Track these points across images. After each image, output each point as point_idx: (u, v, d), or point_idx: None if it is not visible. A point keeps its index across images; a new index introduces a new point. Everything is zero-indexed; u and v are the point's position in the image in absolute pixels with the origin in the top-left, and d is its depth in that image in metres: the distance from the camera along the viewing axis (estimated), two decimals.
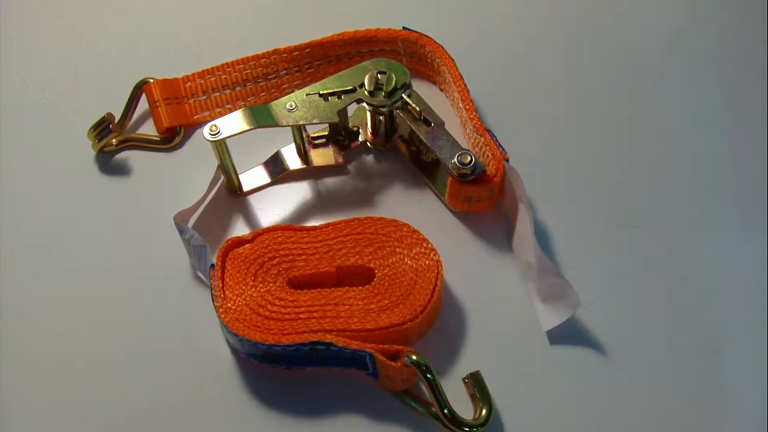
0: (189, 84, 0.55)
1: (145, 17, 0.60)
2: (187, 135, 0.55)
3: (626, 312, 0.47)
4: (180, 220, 0.48)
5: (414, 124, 0.49)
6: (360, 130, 0.52)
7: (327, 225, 0.48)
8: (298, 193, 0.52)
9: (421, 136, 0.49)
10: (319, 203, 0.51)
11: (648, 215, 0.50)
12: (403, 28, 0.53)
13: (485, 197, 0.49)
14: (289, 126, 0.49)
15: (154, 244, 0.50)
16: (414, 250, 0.47)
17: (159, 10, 0.61)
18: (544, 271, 0.45)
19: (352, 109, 0.52)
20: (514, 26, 0.59)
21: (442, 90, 0.55)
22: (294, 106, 0.49)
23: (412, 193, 0.52)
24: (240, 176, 0.51)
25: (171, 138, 0.54)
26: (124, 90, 0.54)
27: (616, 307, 0.47)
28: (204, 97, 0.55)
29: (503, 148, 0.49)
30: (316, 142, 0.52)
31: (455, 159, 0.47)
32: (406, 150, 0.52)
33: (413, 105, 0.49)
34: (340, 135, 0.52)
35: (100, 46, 0.59)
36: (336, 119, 0.49)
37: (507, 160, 0.47)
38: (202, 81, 0.55)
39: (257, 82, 0.55)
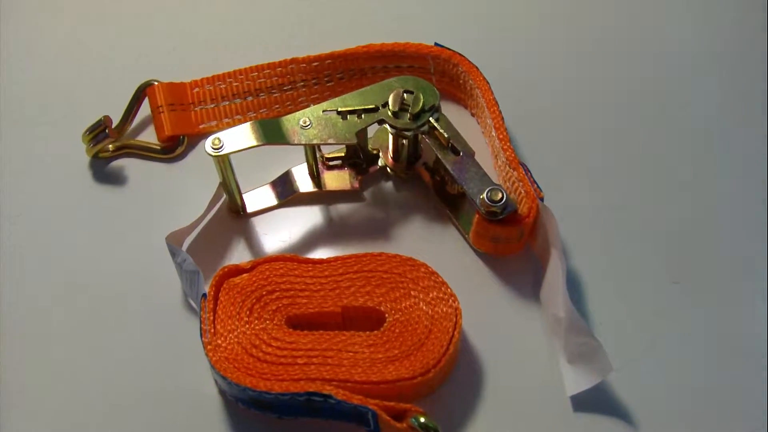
0: (197, 90, 0.51)
1: (155, 14, 0.58)
2: (191, 145, 0.51)
3: (662, 380, 0.43)
4: (173, 242, 0.44)
5: (440, 152, 0.45)
6: (380, 154, 0.49)
7: (336, 259, 0.44)
8: (306, 219, 0.48)
9: (447, 166, 0.45)
10: (330, 232, 0.48)
11: (694, 271, 0.46)
12: (435, 44, 0.49)
13: (514, 239, 0.45)
14: (301, 144, 0.45)
15: (144, 263, 0.46)
16: (431, 295, 0.43)
17: (171, 7, 0.58)
18: (574, 328, 0.41)
19: (372, 130, 0.48)
20: (559, 50, 0.56)
21: (473, 115, 0.52)
22: (308, 123, 0.45)
23: (433, 228, 0.48)
24: (244, 195, 0.48)
25: (173, 148, 0.51)
26: (129, 92, 0.51)
27: (651, 374, 0.43)
28: (212, 106, 0.51)
29: (538, 185, 0.45)
30: (331, 163, 0.49)
31: (484, 195, 0.43)
32: (430, 179, 0.48)
33: (441, 131, 0.45)
34: (358, 158, 0.48)
35: (106, 44, 0.56)
36: (354, 140, 0.45)
37: (542, 199, 0.44)
38: (211, 87, 0.51)
39: (271, 92, 0.51)
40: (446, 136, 0.45)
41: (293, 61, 0.50)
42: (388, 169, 0.49)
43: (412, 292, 0.43)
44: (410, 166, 0.48)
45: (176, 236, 0.45)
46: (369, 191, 0.49)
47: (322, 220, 0.48)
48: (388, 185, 0.49)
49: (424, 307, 0.42)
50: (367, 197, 0.49)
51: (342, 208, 0.49)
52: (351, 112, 0.45)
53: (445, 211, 0.48)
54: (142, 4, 0.58)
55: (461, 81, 0.50)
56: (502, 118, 0.47)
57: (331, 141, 0.45)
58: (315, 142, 0.45)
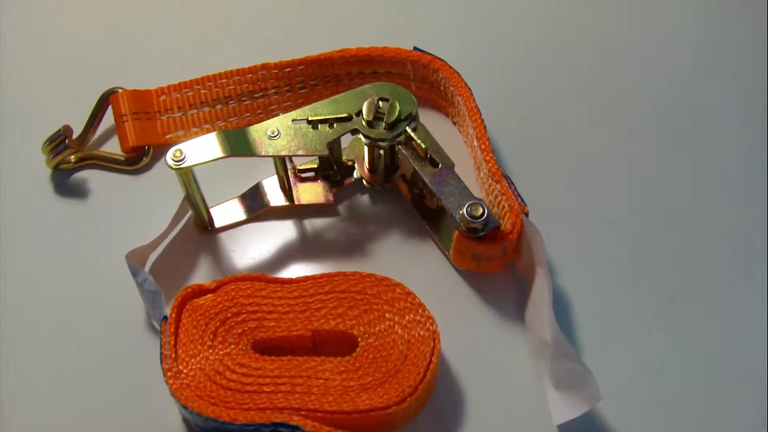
0: (163, 97, 0.49)
1: (120, 18, 0.55)
2: (157, 156, 0.49)
3: (656, 408, 0.41)
4: (134, 260, 0.42)
5: (418, 164, 0.43)
6: (356, 166, 0.47)
7: (306, 278, 0.42)
8: (277, 235, 0.46)
9: (425, 179, 0.43)
10: (302, 249, 0.46)
11: (691, 288, 0.44)
12: (414, 48, 0.47)
13: (497, 256, 0.42)
14: (269, 156, 0.43)
15: (106, 281, 0.44)
16: (407, 317, 0.40)
17: (136, 11, 0.56)
18: (561, 353, 0.39)
19: (348, 140, 0.46)
20: (546, 55, 0.53)
21: (455, 123, 0.49)
22: (277, 133, 0.43)
23: (411, 244, 0.46)
24: (211, 210, 0.46)
25: (137, 159, 0.49)
26: (93, 99, 0.49)
27: (645, 401, 0.41)
28: (179, 114, 0.49)
29: (522, 199, 0.42)
30: (303, 176, 0.46)
31: (464, 210, 0.41)
32: (408, 193, 0.46)
33: (418, 141, 0.43)
34: (332, 170, 0.46)
35: (68, 49, 0.53)
36: (325, 152, 0.43)
37: (526, 214, 0.42)
38: (178, 95, 0.49)
39: (241, 100, 0.49)
40: (424, 146, 0.42)
41: (264, 66, 0.48)
42: (364, 182, 0.47)
43: (387, 315, 0.40)
44: (388, 179, 0.46)
45: (138, 254, 0.43)
46: (344, 205, 0.47)
47: (294, 236, 0.46)
48: (364, 199, 0.47)
49: (400, 331, 0.40)
50: (342, 211, 0.47)
51: (315, 223, 0.46)
52: (322, 122, 0.43)
53: (424, 226, 0.46)
54: (105, 7, 0.56)
55: (442, 87, 0.48)
56: (485, 127, 0.45)
57: (300, 152, 0.42)
58: (284, 153, 0.42)
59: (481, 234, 0.41)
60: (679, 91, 0.52)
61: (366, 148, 0.45)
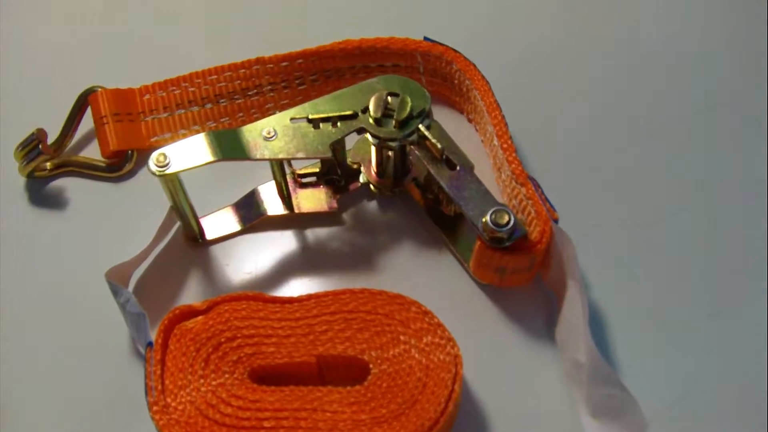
0: (147, 97, 0.46)
1: (100, 11, 0.53)
2: (141, 162, 0.46)
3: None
4: (115, 278, 0.39)
5: (433, 166, 0.40)
6: (362, 169, 0.44)
7: (309, 297, 0.38)
8: (275, 248, 0.43)
9: (441, 183, 0.39)
10: (303, 263, 0.43)
11: (735, 300, 0.41)
12: (425, 38, 0.45)
13: (524, 269, 0.39)
14: (265, 160, 0.39)
15: (84, 302, 0.42)
16: (425, 340, 0.37)
17: (117, 3, 0.53)
18: (599, 376, 0.36)
19: (353, 141, 0.43)
20: (572, 43, 0.51)
21: (471, 121, 0.46)
22: (273, 134, 0.39)
23: (426, 257, 0.42)
24: (202, 220, 0.43)
25: (119, 165, 0.46)
26: (70, 100, 0.47)
27: (690, 428, 0.38)
28: (165, 115, 0.46)
29: (551, 204, 0.39)
30: (304, 181, 0.44)
31: (487, 217, 0.37)
32: (421, 198, 0.43)
33: (433, 140, 0.39)
34: (335, 174, 0.43)
35: (44, 46, 0.51)
36: (329, 154, 0.40)
37: (556, 221, 0.38)
38: (164, 94, 0.46)
39: (233, 98, 0.46)
40: (439, 146, 0.39)
41: (259, 61, 0.46)
42: (372, 187, 0.44)
43: (402, 337, 0.37)
44: (398, 183, 0.43)
45: (120, 271, 0.40)
46: (349, 213, 0.44)
47: (294, 248, 0.43)
48: (372, 205, 0.44)
49: (417, 355, 0.37)
50: (347, 220, 0.44)
51: (317, 233, 0.44)
52: (324, 120, 0.39)
53: (439, 235, 0.42)
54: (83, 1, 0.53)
55: (456, 81, 0.45)
56: (506, 124, 0.41)
57: (300, 155, 0.39)
58: (281, 156, 0.39)
59: (507, 244, 0.37)
60: (727, 85, 0.49)
61: (373, 149, 0.42)
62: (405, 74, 0.45)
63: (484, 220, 0.37)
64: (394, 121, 0.39)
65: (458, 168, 0.39)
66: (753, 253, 0.43)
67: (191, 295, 0.42)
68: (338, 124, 0.40)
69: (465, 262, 0.41)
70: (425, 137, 0.40)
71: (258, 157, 0.39)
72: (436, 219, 0.42)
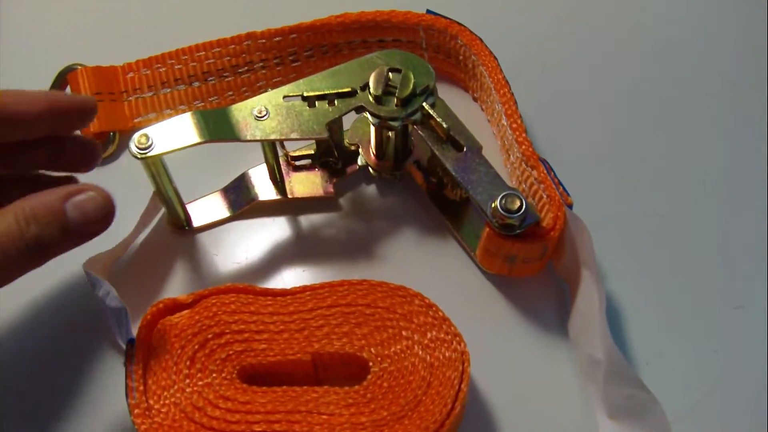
0: (131, 75, 0.45)
1: None
2: (124, 144, 0.44)
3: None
4: (94, 269, 0.37)
5: (438, 147, 0.38)
6: (360, 151, 0.42)
7: (303, 289, 0.37)
8: (267, 236, 0.41)
9: (447, 165, 0.37)
10: (297, 252, 0.41)
11: (762, 291, 0.40)
12: (427, 11, 0.43)
13: (535, 257, 0.37)
14: (256, 141, 0.37)
15: (61, 294, 0.40)
16: (429, 335, 0.35)
17: None
18: (617, 375, 0.35)
19: (350, 120, 0.42)
20: (585, 16, 0.49)
21: (476, 100, 0.45)
22: (265, 113, 0.37)
23: (429, 245, 0.41)
24: (188, 206, 0.41)
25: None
26: (48, 79, 0.45)
27: (714, 428, 0.37)
28: (150, 94, 0.45)
29: (564, 188, 0.37)
30: (298, 164, 0.42)
31: (497, 202, 0.35)
32: (424, 181, 0.42)
33: (438, 119, 0.37)
34: (332, 156, 0.42)
35: (21, 21, 0.49)
36: (325, 134, 0.38)
37: (570, 206, 0.36)
38: (148, 72, 0.44)
39: (223, 76, 0.44)
40: (445, 126, 0.37)
41: (250, 36, 0.44)
42: (371, 170, 0.42)
43: (404, 332, 0.35)
44: (399, 166, 0.42)
45: (99, 261, 0.38)
46: (346, 198, 0.43)
47: (288, 236, 0.42)
48: (371, 190, 0.43)
49: (421, 352, 0.35)
50: (345, 206, 0.42)
51: (312, 220, 0.42)
52: (320, 98, 0.38)
53: (443, 222, 0.41)
54: None
55: (461, 57, 0.43)
56: (515, 102, 0.40)
57: (294, 136, 0.37)
58: (273, 137, 0.37)
59: (518, 231, 0.35)
60: (754, 69, 0.48)
61: (373, 130, 0.40)
62: (407, 49, 0.44)
63: (493, 205, 0.35)
64: (395, 99, 0.38)
65: (465, 149, 0.38)
66: None
67: (177, 287, 0.40)
68: (335, 102, 0.38)
69: (471, 250, 0.40)
70: (429, 116, 0.38)
71: (248, 137, 0.37)
72: (440, 204, 0.41)
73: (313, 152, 0.42)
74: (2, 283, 0.30)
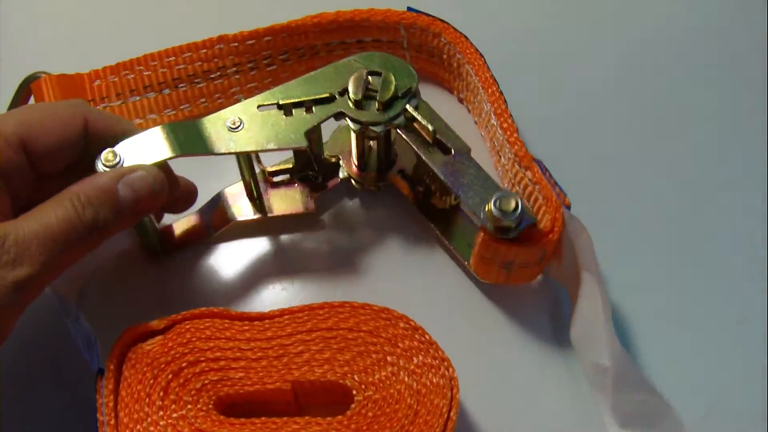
0: (98, 83, 0.43)
1: None
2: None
3: None
4: (63, 291, 0.36)
5: (424, 151, 0.36)
6: (341, 162, 0.41)
7: (282, 313, 0.35)
8: (244, 257, 0.40)
9: (435, 170, 0.36)
10: (276, 273, 0.39)
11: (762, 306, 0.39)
12: (408, 9, 0.42)
13: (533, 262, 0.36)
14: (231, 154, 0.36)
15: (26, 317, 0.36)
16: (415, 360, 0.33)
17: None
18: (626, 380, 0.34)
19: (329, 130, 0.41)
20: (573, 12, 0.48)
21: (463, 101, 0.44)
22: (239, 124, 0.36)
23: (416, 259, 0.40)
24: (162, 229, 0.40)
25: None
26: (11, 88, 0.44)
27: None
28: (118, 103, 0.43)
29: (561, 189, 0.36)
30: (276, 179, 0.41)
31: (491, 205, 0.33)
32: (410, 192, 0.40)
33: (423, 122, 0.36)
34: (311, 169, 0.41)
35: None
36: (303, 144, 0.36)
37: (568, 207, 0.35)
38: (116, 79, 0.43)
39: (194, 83, 0.43)
40: (431, 128, 0.36)
41: (222, 39, 0.43)
42: (353, 182, 0.41)
43: (389, 358, 0.34)
44: (382, 176, 0.41)
45: (67, 283, 0.36)
46: (329, 213, 0.41)
47: (267, 256, 0.40)
48: (354, 203, 0.41)
49: (407, 379, 0.33)
50: (327, 221, 0.41)
51: (294, 238, 0.40)
52: (297, 105, 0.37)
53: (432, 232, 0.40)
54: None
55: (445, 56, 0.42)
56: (505, 102, 0.39)
57: (271, 146, 0.36)
58: (249, 149, 0.35)
59: (514, 235, 0.34)
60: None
61: (354, 139, 0.39)
62: (387, 50, 0.43)
63: (487, 208, 0.34)
64: (376, 103, 0.37)
65: (453, 152, 0.36)
66: None
67: (149, 313, 0.37)
68: (313, 109, 0.37)
69: (464, 259, 0.38)
70: (413, 119, 0.36)
71: (222, 150, 0.35)
72: (429, 214, 0.40)
73: (291, 166, 0.40)
74: (66, 266, 0.31)
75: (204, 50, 0.43)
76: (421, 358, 0.33)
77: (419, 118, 0.36)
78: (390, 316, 0.34)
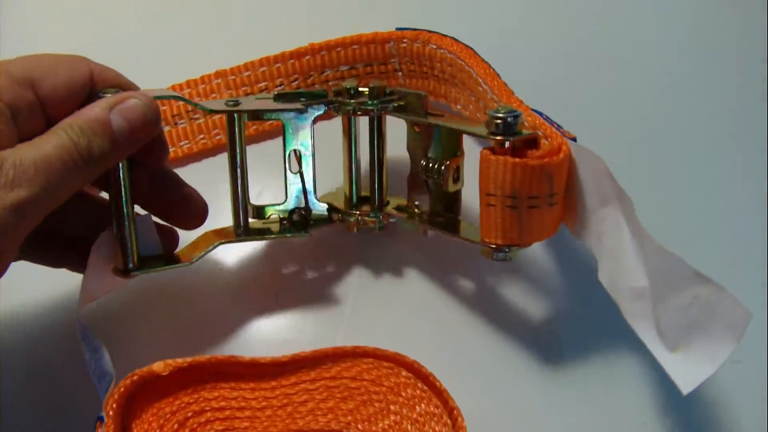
0: None
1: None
2: None
3: None
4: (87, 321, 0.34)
5: (422, 120, 0.37)
6: (333, 204, 0.40)
7: (285, 361, 0.34)
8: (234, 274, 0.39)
9: (439, 123, 0.36)
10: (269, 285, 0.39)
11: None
12: (397, 29, 0.41)
13: (543, 194, 0.32)
14: (225, 112, 0.36)
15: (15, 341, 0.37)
16: (418, 409, 0.34)
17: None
18: (671, 280, 0.31)
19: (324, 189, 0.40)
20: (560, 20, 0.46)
21: (455, 103, 0.42)
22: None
23: (417, 298, 0.39)
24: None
25: None
26: None
27: None
28: None
29: (566, 130, 0.34)
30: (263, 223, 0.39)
31: (488, 115, 0.32)
32: (413, 217, 0.38)
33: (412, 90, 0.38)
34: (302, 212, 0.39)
35: None
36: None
37: (573, 139, 0.33)
38: None
39: (177, 123, 0.42)
40: (423, 95, 0.37)
41: (220, 74, 0.42)
42: (348, 219, 0.39)
43: (392, 407, 0.34)
44: (378, 212, 0.39)
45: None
46: (326, 248, 0.40)
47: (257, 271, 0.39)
48: (352, 238, 0.40)
49: (410, 428, 0.34)
50: (323, 256, 0.40)
51: (288, 271, 0.39)
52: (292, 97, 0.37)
53: (438, 233, 0.37)
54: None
55: (437, 64, 0.41)
56: (509, 89, 0.37)
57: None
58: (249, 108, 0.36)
59: (514, 132, 0.32)
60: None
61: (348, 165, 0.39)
62: (381, 78, 0.42)
63: (487, 115, 0.32)
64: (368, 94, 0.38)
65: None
66: None
67: (145, 345, 0.37)
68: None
69: (474, 241, 0.35)
70: (404, 94, 0.37)
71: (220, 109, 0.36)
72: (432, 224, 0.37)
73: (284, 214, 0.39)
74: (65, 196, 0.30)
75: (203, 85, 0.42)
76: (423, 406, 0.33)
77: (408, 91, 0.37)
78: (392, 365, 0.34)
